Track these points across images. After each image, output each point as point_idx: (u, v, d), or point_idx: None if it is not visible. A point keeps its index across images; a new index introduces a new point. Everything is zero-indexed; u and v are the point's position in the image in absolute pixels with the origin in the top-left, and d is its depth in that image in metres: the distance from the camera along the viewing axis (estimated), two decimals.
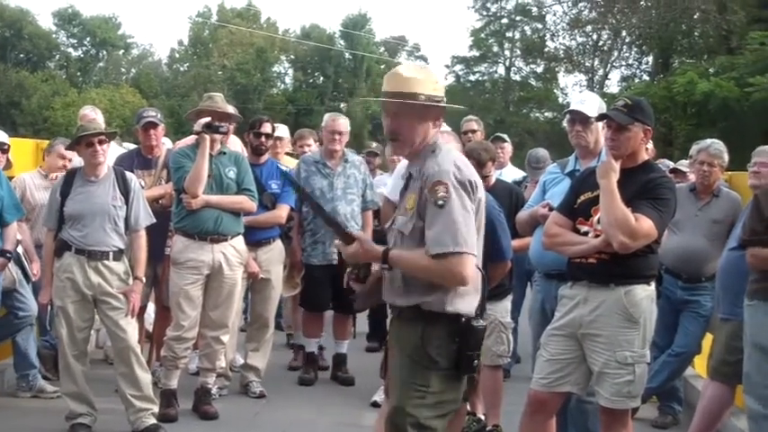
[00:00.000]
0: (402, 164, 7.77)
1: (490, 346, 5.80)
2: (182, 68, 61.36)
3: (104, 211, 5.70)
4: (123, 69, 63.60)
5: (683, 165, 7.56)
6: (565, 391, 4.54)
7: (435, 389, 3.43)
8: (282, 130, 8.22)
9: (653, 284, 4.43)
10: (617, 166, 4.32)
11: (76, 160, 6.74)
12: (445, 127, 5.04)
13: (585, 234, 4.44)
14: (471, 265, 3.35)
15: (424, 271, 3.38)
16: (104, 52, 62.74)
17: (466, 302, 3.44)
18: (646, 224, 4.19)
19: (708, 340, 6.19)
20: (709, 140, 6.43)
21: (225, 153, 6.39)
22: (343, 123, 7.41)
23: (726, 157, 6.28)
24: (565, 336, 4.47)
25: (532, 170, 7.71)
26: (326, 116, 7.61)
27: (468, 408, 5.47)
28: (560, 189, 4.98)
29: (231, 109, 6.81)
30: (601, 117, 4.67)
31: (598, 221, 4.34)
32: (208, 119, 6.27)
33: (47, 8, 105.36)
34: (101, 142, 5.74)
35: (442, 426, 3.50)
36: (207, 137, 6.14)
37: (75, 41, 62.64)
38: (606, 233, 4.24)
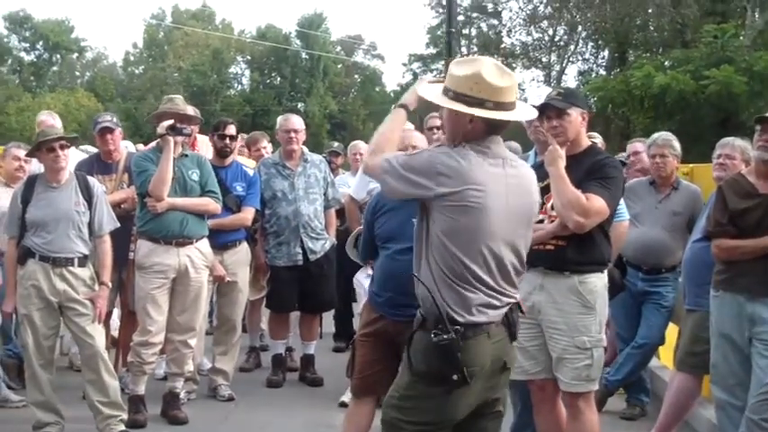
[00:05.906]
0: None
1: None
2: (137, 71, 60.82)
3: (68, 217, 5.65)
4: (78, 73, 62.91)
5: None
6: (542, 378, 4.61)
7: (410, 391, 3.39)
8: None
9: (606, 272, 4.58)
10: (563, 152, 4.44)
11: (35, 166, 6.66)
12: (408, 125, 5.05)
13: (541, 222, 4.49)
14: None
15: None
16: (58, 56, 61.95)
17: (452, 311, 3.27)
18: (597, 202, 4.36)
19: (673, 331, 6.26)
20: (656, 134, 6.55)
21: (187, 155, 6.35)
22: (297, 121, 7.36)
23: (676, 144, 6.33)
24: (529, 323, 4.50)
25: None
26: (279, 118, 7.58)
27: None
28: None
29: (191, 110, 6.76)
30: (540, 107, 4.70)
31: (552, 207, 4.48)
32: (170, 121, 6.22)
33: None
34: (62, 147, 5.70)
35: None
36: (171, 139, 6.10)
37: (28, 45, 61.77)
38: (560, 215, 4.40)
